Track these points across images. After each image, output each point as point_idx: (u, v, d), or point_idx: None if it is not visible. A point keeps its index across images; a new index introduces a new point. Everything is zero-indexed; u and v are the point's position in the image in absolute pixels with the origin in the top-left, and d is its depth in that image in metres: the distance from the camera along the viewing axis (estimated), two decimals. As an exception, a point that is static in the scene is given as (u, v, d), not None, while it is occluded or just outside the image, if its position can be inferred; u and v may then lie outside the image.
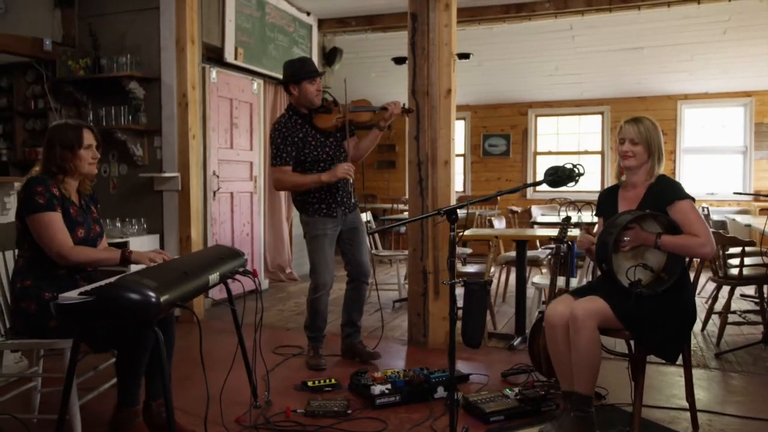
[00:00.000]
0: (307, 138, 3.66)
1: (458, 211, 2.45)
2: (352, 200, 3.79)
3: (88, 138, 2.63)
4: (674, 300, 2.60)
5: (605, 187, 2.92)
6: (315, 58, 7.08)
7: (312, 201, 3.72)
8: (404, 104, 3.84)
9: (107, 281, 2.15)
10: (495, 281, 6.03)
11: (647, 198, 2.73)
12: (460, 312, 3.73)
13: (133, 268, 2.64)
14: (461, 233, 2.39)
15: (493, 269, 4.83)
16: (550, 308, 2.73)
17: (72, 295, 2.04)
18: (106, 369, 2.90)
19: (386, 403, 3.06)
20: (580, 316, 2.54)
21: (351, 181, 3.70)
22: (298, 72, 3.67)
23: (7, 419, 2.27)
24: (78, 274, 2.58)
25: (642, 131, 2.69)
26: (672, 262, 2.62)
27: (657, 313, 2.56)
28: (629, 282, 2.54)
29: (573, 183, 2.60)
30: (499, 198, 8.68)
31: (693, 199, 2.68)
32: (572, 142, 9.16)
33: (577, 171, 2.58)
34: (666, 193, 2.68)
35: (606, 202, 2.91)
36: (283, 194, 6.76)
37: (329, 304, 3.88)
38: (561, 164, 2.61)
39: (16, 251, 2.64)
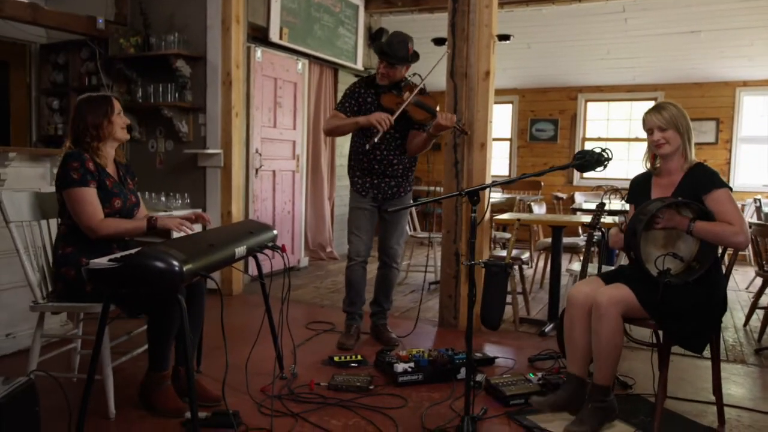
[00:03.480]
0: (371, 107, 3.69)
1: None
2: (393, 190, 3.78)
3: (117, 105, 2.76)
4: (702, 290, 2.53)
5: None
6: (360, 39, 7.10)
7: (354, 171, 3.82)
8: (460, 122, 3.74)
9: (137, 249, 2.24)
10: (533, 267, 5.99)
11: (683, 185, 2.65)
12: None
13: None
14: (484, 216, 2.38)
15: (527, 255, 4.79)
16: (575, 288, 2.70)
17: (102, 261, 2.14)
18: (141, 334, 3.03)
19: (408, 381, 3.10)
20: (603, 303, 2.50)
21: (398, 169, 3.72)
22: (379, 46, 3.70)
23: (44, 377, 2.41)
24: (115, 242, 2.70)
25: (666, 116, 2.61)
26: (704, 251, 2.55)
27: (683, 302, 2.50)
28: (658, 271, 2.48)
29: (601, 168, 2.57)
30: (542, 183, 8.55)
31: (730, 188, 2.60)
32: (623, 129, 8.91)
33: (605, 155, 2.55)
34: (703, 181, 2.60)
35: (638, 188, 2.84)
36: (326, 174, 6.85)
37: (366, 283, 3.90)
38: (590, 148, 2.57)
39: (59, 219, 2.78)
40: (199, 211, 2.87)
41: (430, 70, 3.55)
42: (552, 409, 2.64)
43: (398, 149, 3.74)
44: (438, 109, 3.59)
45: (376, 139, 3.45)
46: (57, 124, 5.93)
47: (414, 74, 3.74)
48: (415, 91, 3.55)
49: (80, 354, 3.06)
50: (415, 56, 3.71)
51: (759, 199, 6.13)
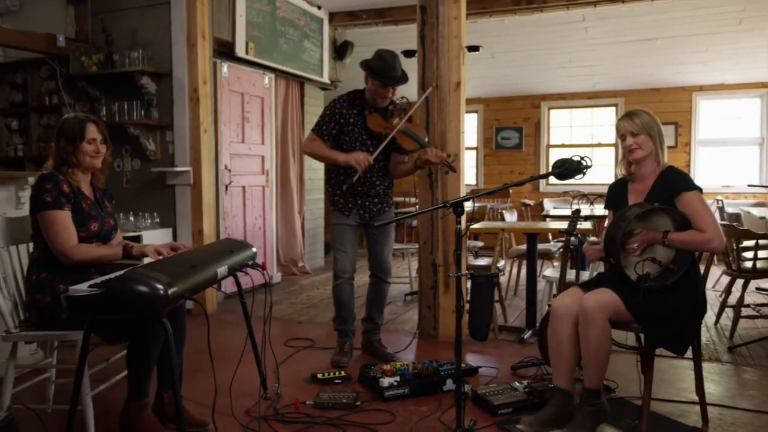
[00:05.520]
0: (354, 127, 3.62)
1: (468, 203, 2.45)
2: (377, 207, 3.74)
3: (92, 131, 2.64)
4: (684, 293, 2.58)
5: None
6: (326, 52, 7.09)
7: (335, 190, 3.73)
8: (449, 158, 3.65)
9: (117, 274, 2.17)
10: (506, 274, 6.03)
11: (655, 189, 2.71)
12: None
13: (146, 261, 2.67)
14: (468, 226, 2.39)
15: (503, 262, 4.82)
16: (557, 300, 2.72)
17: (82, 288, 2.06)
18: (119, 360, 2.94)
19: (395, 395, 3.07)
20: (590, 308, 2.52)
21: (380, 189, 3.70)
22: (373, 68, 3.53)
23: (21, 409, 2.31)
24: (93, 267, 2.61)
25: (638, 122, 2.68)
26: (682, 254, 2.60)
27: (667, 305, 2.54)
28: (637, 276, 2.52)
29: (581, 175, 2.60)
30: (511, 191, 8.65)
31: (701, 190, 2.65)
32: (585, 135, 9.09)
33: (584, 163, 2.58)
34: (673, 184, 2.66)
35: (615, 194, 2.89)
36: (295, 188, 6.80)
37: (354, 299, 3.81)
38: (569, 157, 2.61)
39: (31, 245, 2.68)
40: (180, 243, 2.79)
41: (419, 101, 3.58)
42: (543, 426, 2.63)
43: (381, 171, 3.69)
44: (427, 140, 3.57)
45: (354, 179, 3.44)
46: (17, 145, 5.76)
47: (402, 97, 3.72)
48: (405, 118, 3.54)
49: (55, 384, 2.94)
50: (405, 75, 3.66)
51: (721, 200, 6.31)
